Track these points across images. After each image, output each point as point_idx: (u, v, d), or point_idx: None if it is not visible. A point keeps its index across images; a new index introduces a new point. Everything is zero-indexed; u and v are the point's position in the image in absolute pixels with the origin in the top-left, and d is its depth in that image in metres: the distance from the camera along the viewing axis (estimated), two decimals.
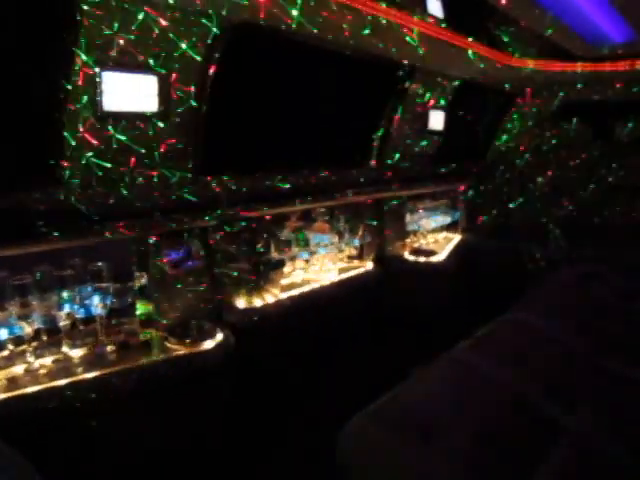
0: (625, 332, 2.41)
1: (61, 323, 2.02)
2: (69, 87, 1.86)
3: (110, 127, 2.02)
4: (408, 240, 4.12)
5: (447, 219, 4.60)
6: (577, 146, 4.72)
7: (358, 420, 1.74)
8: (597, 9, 2.85)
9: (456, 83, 3.92)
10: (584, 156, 4.65)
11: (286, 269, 3.04)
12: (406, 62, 3.33)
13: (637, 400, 1.86)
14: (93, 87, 1.90)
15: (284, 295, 2.84)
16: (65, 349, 2.04)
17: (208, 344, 2.25)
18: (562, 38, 3.26)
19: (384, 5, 2.36)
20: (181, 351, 2.19)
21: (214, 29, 2.14)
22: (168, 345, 2.23)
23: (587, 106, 4.63)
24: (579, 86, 4.34)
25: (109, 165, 2.08)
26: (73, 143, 1.95)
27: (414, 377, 2.01)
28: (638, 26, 3.06)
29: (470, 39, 3.01)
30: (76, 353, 2.05)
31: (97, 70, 1.88)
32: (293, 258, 3.11)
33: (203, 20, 2.09)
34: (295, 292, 2.90)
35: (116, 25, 1.85)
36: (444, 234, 4.62)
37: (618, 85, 4.14)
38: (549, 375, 2.01)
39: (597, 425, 1.70)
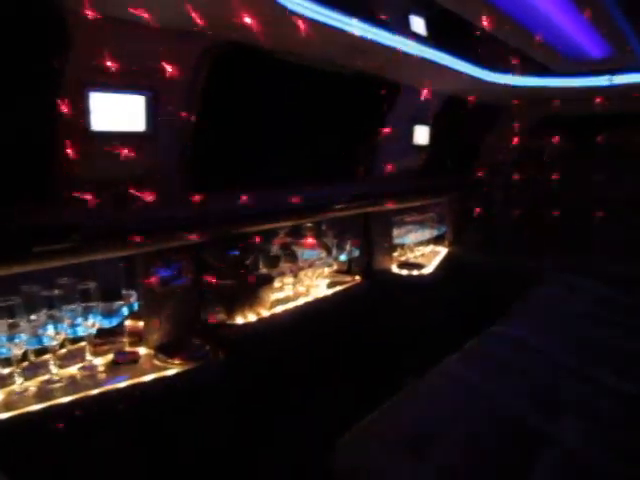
0: (609, 343, 2.44)
1: (49, 343, 2.01)
2: (58, 107, 1.87)
3: (98, 147, 2.03)
4: (396, 254, 4.15)
5: (434, 232, 4.64)
6: (560, 160, 4.81)
7: (350, 435, 1.74)
8: (576, 26, 2.92)
9: (441, 99, 3.98)
10: (567, 169, 4.74)
11: (275, 285, 3.05)
12: (391, 79, 3.38)
13: (621, 410, 1.89)
14: (81, 107, 1.91)
15: (273, 311, 2.84)
16: (54, 369, 2.03)
17: (198, 362, 2.25)
18: (542, 54, 3.34)
19: (369, 24, 2.41)
20: (171, 369, 2.19)
21: (202, 49, 2.17)
22: (158, 363, 2.23)
23: (568, 120, 4.73)
24: (559, 101, 4.43)
25: (97, 184, 2.08)
26: (60, 162, 1.96)
27: (404, 391, 2.03)
28: (615, 42, 3.13)
29: (453, 56, 3.07)
30: (65, 374, 2.04)
31: (85, 90, 1.90)
32: (282, 274, 3.12)
33: (191, 40, 2.12)
34: (284, 308, 2.91)
35: (104, 45, 1.87)
36: (431, 247, 4.66)
37: (597, 100, 4.23)
38: (535, 387, 2.04)
39: (582, 436, 1.72)
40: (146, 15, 1.84)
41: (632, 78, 3.59)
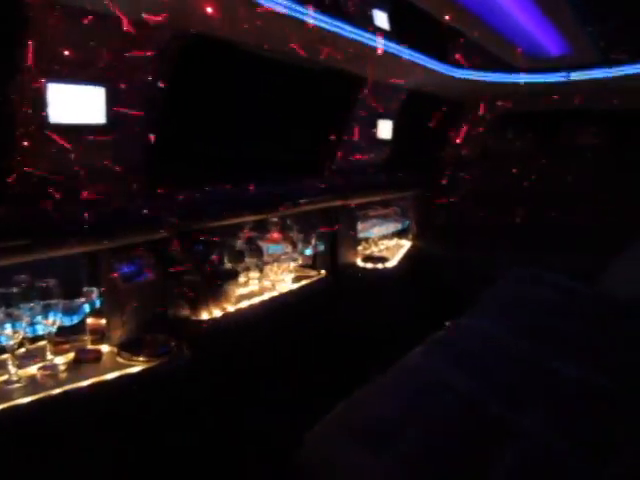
0: (570, 332, 2.52)
1: (7, 342, 1.95)
2: (16, 99, 1.82)
3: (57, 139, 1.97)
4: (360, 247, 4.17)
5: (398, 226, 4.69)
6: (520, 154, 4.93)
7: (317, 429, 1.75)
8: (535, 24, 2.99)
9: (404, 93, 4.02)
10: (527, 164, 4.85)
11: (240, 279, 3.03)
12: (356, 73, 3.39)
13: (582, 399, 1.95)
14: (39, 99, 1.86)
15: (239, 306, 2.82)
16: (12, 370, 1.97)
17: (163, 358, 2.22)
18: (503, 51, 3.40)
19: (333, 18, 2.41)
20: (135, 367, 2.15)
21: (164, 41, 2.13)
22: (121, 361, 2.19)
23: (528, 116, 4.85)
24: (520, 96, 4.53)
25: (57, 178, 2.02)
26: (16, 155, 1.90)
27: (369, 384, 2.05)
28: (573, 40, 3.22)
29: (415, 51, 3.10)
30: (24, 373, 1.98)
31: (43, 81, 1.84)
32: (247, 269, 3.10)
33: (153, 32, 2.08)
34: (250, 302, 2.89)
35: (63, 36, 1.82)
36: (395, 241, 4.71)
37: (555, 96, 4.35)
38: (498, 378, 2.08)
39: (543, 425, 1.77)
40: (108, 5, 1.79)
41: (588, 75, 3.70)
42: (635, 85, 3.82)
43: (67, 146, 2.01)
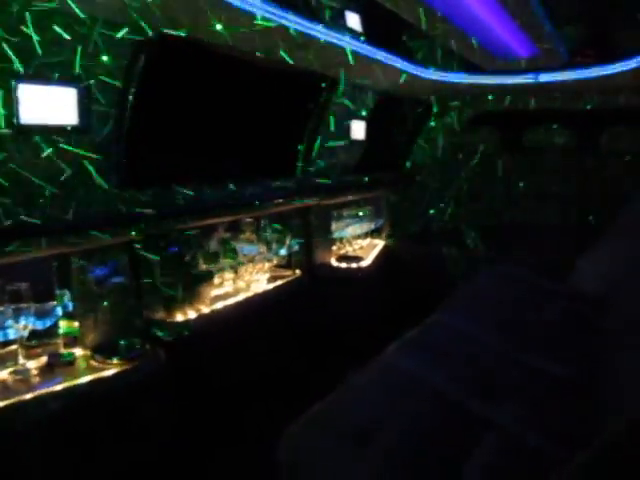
0: (538, 327, 2.58)
1: None
2: None
3: (28, 140, 1.94)
4: (334, 247, 4.20)
5: (371, 226, 4.72)
6: (489, 154, 5.02)
7: (296, 428, 1.76)
8: (503, 26, 3.05)
9: (375, 94, 4.05)
10: (494, 164, 4.95)
11: (215, 281, 3.02)
12: (328, 74, 3.41)
13: (555, 393, 2.00)
14: (9, 99, 1.83)
15: (214, 307, 2.82)
16: None
17: (137, 361, 2.20)
18: (472, 53, 3.46)
19: (305, 18, 2.42)
20: (109, 370, 2.13)
21: (135, 41, 2.12)
22: (95, 364, 2.16)
23: (497, 117, 4.94)
24: (489, 98, 4.62)
25: (28, 179, 1.99)
26: None
27: (346, 382, 2.06)
28: (539, 42, 3.29)
29: (387, 53, 3.14)
30: None
31: (13, 82, 1.81)
32: (221, 269, 3.09)
33: (124, 32, 2.06)
34: (225, 303, 2.89)
35: (33, 36, 1.79)
36: (369, 240, 4.75)
37: (524, 97, 4.44)
38: (472, 373, 2.12)
39: (518, 419, 1.81)
40: (79, 5, 1.78)
41: (556, 76, 3.80)
42: (601, 86, 3.93)
43: (37, 146, 1.97)
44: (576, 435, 1.63)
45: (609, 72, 3.55)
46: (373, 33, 3.08)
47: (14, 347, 2.05)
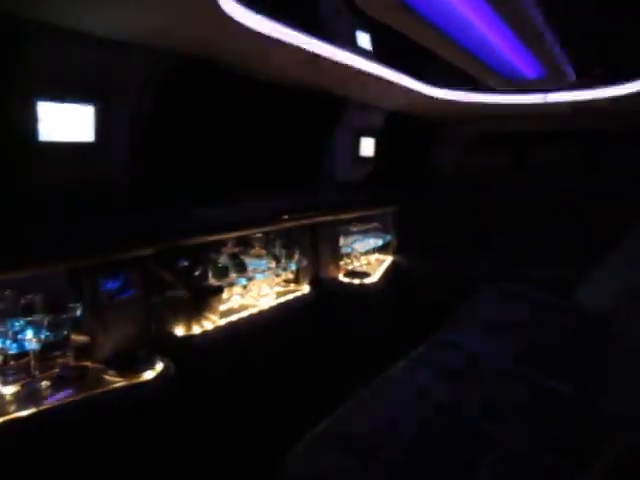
0: (544, 345, 2.60)
1: None
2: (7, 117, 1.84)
3: (47, 157, 1.99)
4: (342, 263, 4.22)
5: (379, 241, 4.75)
6: (497, 172, 5.05)
7: (301, 444, 1.78)
8: (511, 48, 3.08)
9: (385, 112, 4.10)
10: (503, 182, 4.98)
11: (224, 295, 3.05)
12: (338, 92, 3.47)
13: (558, 409, 2.01)
14: (30, 117, 1.88)
15: (223, 321, 2.85)
16: None
17: (147, 374, 2.23)
18: (480, 73, 3.50)
19: (316, 38, 2.47)
20: (119, 383, 2.16)
21: (152, 61, 2.17)
22: (106, 377, 2.19)
23: (504, 136, 4.98)
24: (496, 117, 4.66)
25: (46, 194, 2.04)
26: (7, 173, 1.92)
27: (352, 399, 2.08)
28: (547, 64, 3.32)
29: (396, 71, 3.18)
30: (9, 390, 1.98)
31: (34, 99, 1.87)
32: (231, 284, 3.12)
33: (141, 51, 2.12)
34: (234, 318, 2.91)
35: (53, 55, 1.85)
36: (376, 256, 4.77)
37: (531, 117, 4.48)
38: (477, 391, 2.14)
39: (521, 435, 1.82)
40: (97, 26, 1.83)
41: (564, 96, 3.83)
42: (609, 106, 3.95)
43: (55, 162, 2.02)
44: (577, 451, 1.65)
45: (617, 93, 3.59)
46: (382, 52, 3.13)
47: (27, 359, 2.08)
